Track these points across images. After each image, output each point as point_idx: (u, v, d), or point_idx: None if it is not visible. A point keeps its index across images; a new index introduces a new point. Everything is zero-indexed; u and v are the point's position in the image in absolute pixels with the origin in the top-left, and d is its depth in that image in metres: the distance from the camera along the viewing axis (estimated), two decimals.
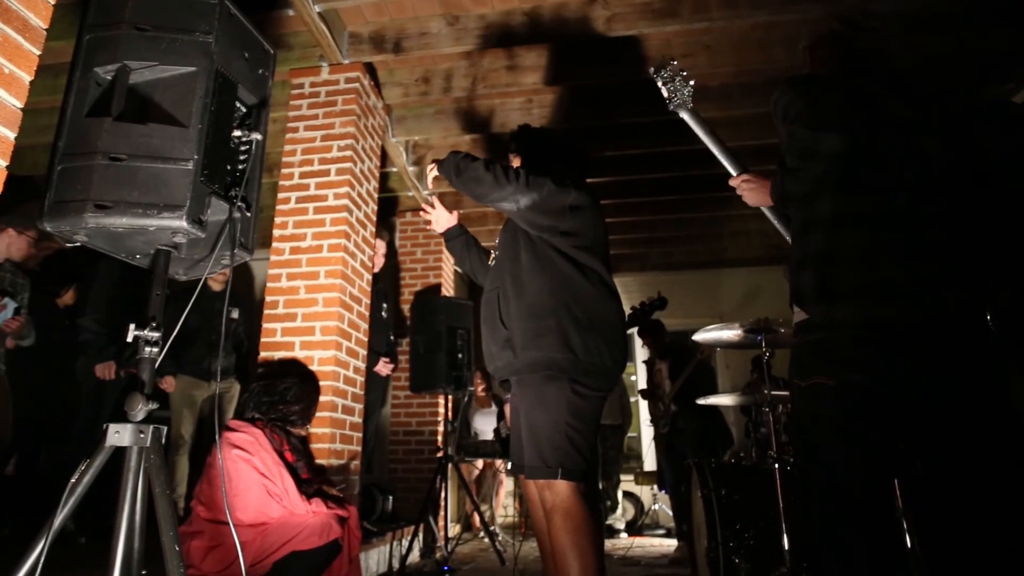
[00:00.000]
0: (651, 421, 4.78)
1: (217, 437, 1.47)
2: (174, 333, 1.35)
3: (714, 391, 4.37)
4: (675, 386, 4.27)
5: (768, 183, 1.63)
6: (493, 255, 2.19)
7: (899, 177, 1.34)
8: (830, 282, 1.34)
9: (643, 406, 6.57)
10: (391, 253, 5.19)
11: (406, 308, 5.06)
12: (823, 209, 1.39)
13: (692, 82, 1.93)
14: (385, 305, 4.15)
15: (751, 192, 1.75)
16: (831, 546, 1.32)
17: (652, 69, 1.96)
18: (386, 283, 4.35)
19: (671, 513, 5.72)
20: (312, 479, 2.47)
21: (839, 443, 1.32)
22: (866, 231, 1.33)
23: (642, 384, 6.79)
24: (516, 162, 2.24)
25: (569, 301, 1.90)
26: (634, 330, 4.85)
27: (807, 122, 1.44)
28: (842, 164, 1.39)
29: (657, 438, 4.76)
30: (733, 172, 1.82)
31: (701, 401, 3.25)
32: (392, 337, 4.35)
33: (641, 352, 6.88)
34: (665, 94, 1.93)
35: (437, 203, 2.37)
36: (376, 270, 3.93)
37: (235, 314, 3.94)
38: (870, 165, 1.37)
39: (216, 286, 3.90)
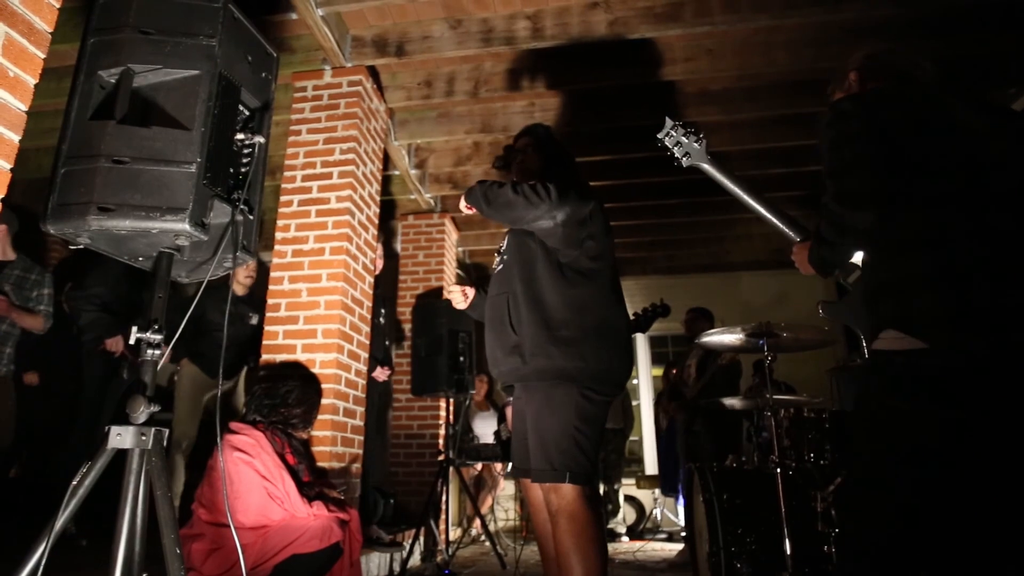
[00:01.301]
0: (660, 417, 4.75)
1: (219, 439, 1.47)
2: (181, 325, 1.35)
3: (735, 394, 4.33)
4: (699, 383, 4.22)
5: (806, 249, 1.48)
6: (498, 259, 2.18)
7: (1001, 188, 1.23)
8: (962, 305, 1.18)
9: (645, 410, 6.58)
10: (389, 255, 5.18)
11: (407, 311, 5.06)
12: (920, 222, 1.25)
13: (701, 135, 1.92)
14: (384, 311, 4.14)
15: (799, 263, 1.58)
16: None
17: (658, 136, 1.97)
18: (385, 289, 4.34)
19: (673, 517, 5.72)
20: (313, 482, 2.47)
21: (944, 478, 1.19)
22: (996, 247, 1.19)
23: (646, 384, 6.81)
24: (517, 169, 2.23)
25: (582, 310, 1.91)
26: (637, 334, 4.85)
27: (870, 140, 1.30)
28: (928, 177, 1.26)
29: (659, 441, 4.75)
30: (761, 209, 1.76)
31: (702, 403, 3.24)
32: (388, 343, 4.32)
33: (644, 356, 6.89)
34: (678, 154, 1.93)
35: (470, 290, 2.38)
36: (375, 273, 3.93)
37: (254, 320, 3.94)
38: (960, 177, 1.25)
39: (240, 290, 3.91)
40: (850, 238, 1.33)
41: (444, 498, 4.02)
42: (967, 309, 1.18)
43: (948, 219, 1.23)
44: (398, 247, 5.46)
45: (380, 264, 4.09)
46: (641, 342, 6.88)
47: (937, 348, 1.20)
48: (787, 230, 1.70)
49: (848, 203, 1.30)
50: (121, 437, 1.20)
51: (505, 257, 2.13)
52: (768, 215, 1.75)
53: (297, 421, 2.57)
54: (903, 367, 1.24)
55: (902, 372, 1.25)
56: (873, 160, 1.29)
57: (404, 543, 3.60)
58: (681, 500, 5.06)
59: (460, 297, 2.35)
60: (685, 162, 1.92)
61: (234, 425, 2.39)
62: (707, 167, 1.88)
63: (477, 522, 4.60)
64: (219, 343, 3.67)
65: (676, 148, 1.93)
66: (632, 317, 2.74)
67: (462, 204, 2.18)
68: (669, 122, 1.97)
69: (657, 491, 5.81)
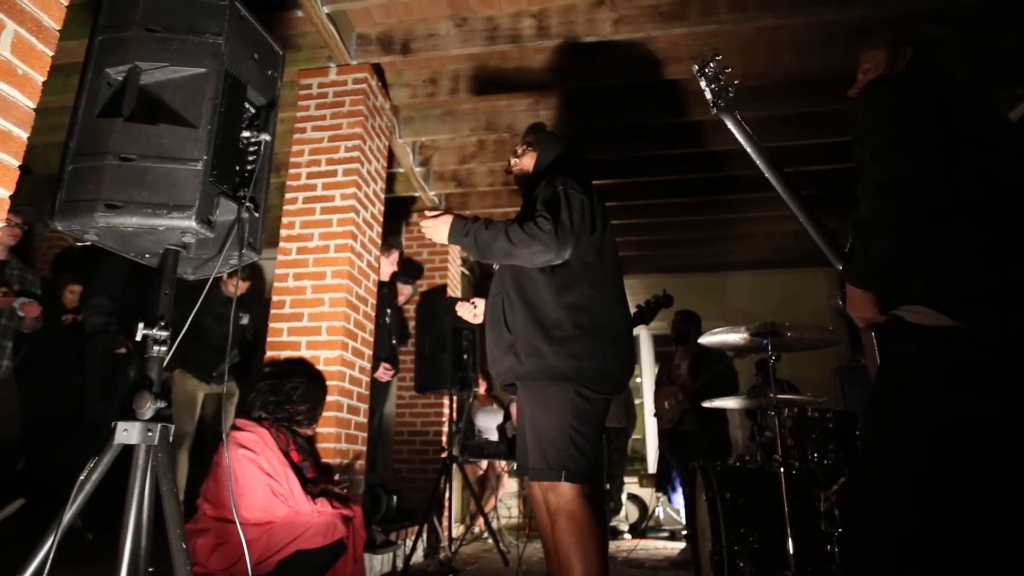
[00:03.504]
0: (655, 414, 4.77)
1: (224, 436, 1.48)
2: (182, 332, 1.37)
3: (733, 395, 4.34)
4: (697, 383, 4.23)
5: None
6: None
7: None
8: (998, 285, 1.11)
9: (647, 409, 6.56)
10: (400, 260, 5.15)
11: (411, 309, 5.06)
12: (960, 198, 1.16)
13: (736, 82, 1.74)
14: (389, 311, 4.14)
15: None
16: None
17: (695, 66, 1.78)
18: (392, 288, 4.33)
19: (674, 515, 5.72)
20: (318, 478, 2.49)
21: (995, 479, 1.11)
22: None
23: (649, 382, 6.80)
24: (529, 158, 2.22)
25: (577, 308, 1.89)
26: (641, 329, 4.86)
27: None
28: (976, 154, 1.19)
29: (662, 437, 4.74)
30: (770, 178, 1.68)
31: (707, 404, 3.24)
32: (393, 341, 4.33)
33: (647, 354, 6.89)
34: (709, 96, 1.75)
35: (479, 301, 2.27)
36: (384, 279, 3.93)
37: (245, 320, 3.95)
38: (1007, 158, 1.20)
39: (230, 291, 3.93)
40: (899, 202, 1.16)
41: (447, 495, 4.03)
42: (1004, 289, 1.11)
43: (988, 197, 1.16)
44: (403, 244, 5.45)
45: (387, 271, 4.07)
46: (644, 340, 6.87)
47: (967, 327, 1.12)
48: (800, 213, 1.66)
49: (899, 168, 1.17)
50: (127, 433, 1.21)
51: None
52: (785, 194, 1.67)
53: (302, 418, 2.58)
54: (926, 343, 1.16)
55: (924, 350, 1.17)
56: (926, 130, 1.19)
57: (404, 540, 3.61)
58: (674, 498, 5.09)
59: (468, 311, 2.29)
60: (715, 110, 1.75)
61: (239, 422, 2.41)
62: (731, 125, 1.72)
63: (480, 519, 4.61)
64: (210, 346, 3.71)
65: (710, 88, 1.75)
66: (634, 310, 2.74)
67: (436, 237, 2.01)
68: (707, 54, 1.75)
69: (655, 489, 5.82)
